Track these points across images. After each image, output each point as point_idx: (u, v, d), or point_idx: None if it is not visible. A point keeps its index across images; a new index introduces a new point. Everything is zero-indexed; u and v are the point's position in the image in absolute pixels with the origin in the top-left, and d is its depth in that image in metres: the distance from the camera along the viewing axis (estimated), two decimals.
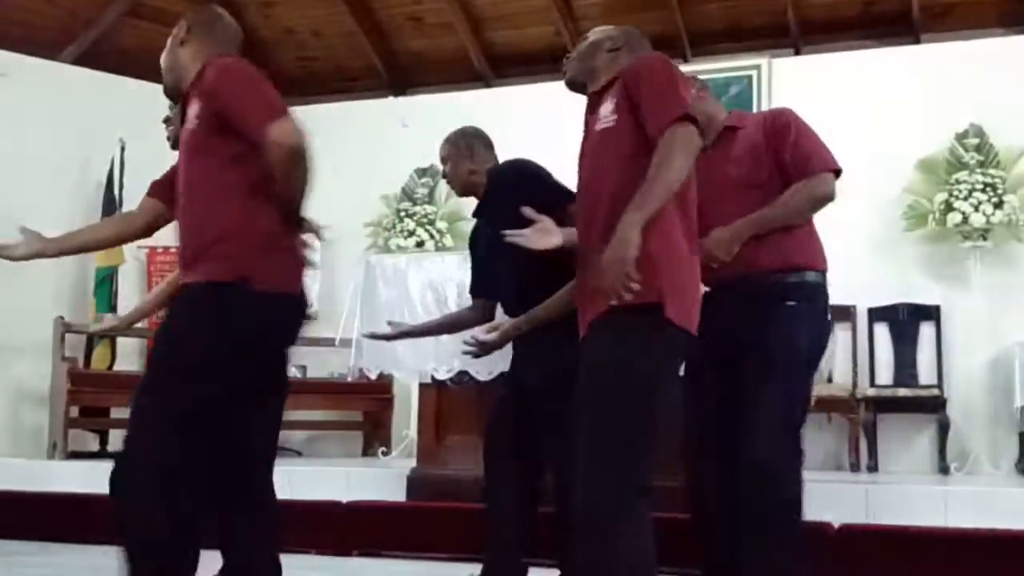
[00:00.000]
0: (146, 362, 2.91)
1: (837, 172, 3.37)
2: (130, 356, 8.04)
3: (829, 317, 3.42)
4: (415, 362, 5.20)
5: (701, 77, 7.93)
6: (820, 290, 3.36)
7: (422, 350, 5.10)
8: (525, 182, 3.51)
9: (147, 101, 8.19)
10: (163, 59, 2.97)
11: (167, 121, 3.63)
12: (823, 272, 3.39)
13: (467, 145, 3.91)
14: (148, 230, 3.44)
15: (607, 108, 2.73)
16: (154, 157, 7.65)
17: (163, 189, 3.25)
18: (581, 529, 2.49)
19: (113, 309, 7.72)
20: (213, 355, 2.73)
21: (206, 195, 2.77)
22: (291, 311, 2.85)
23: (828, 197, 3.34)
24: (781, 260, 3.32)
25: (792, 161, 3.35)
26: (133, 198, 7.69)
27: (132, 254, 8.01)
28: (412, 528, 4.79)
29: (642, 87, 2.62)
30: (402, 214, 8.18)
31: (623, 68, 2.77)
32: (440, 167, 8.07)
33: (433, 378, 5.13)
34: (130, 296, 8.04)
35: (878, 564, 4.32)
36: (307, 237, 2.85)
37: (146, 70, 8.42)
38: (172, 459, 2.69)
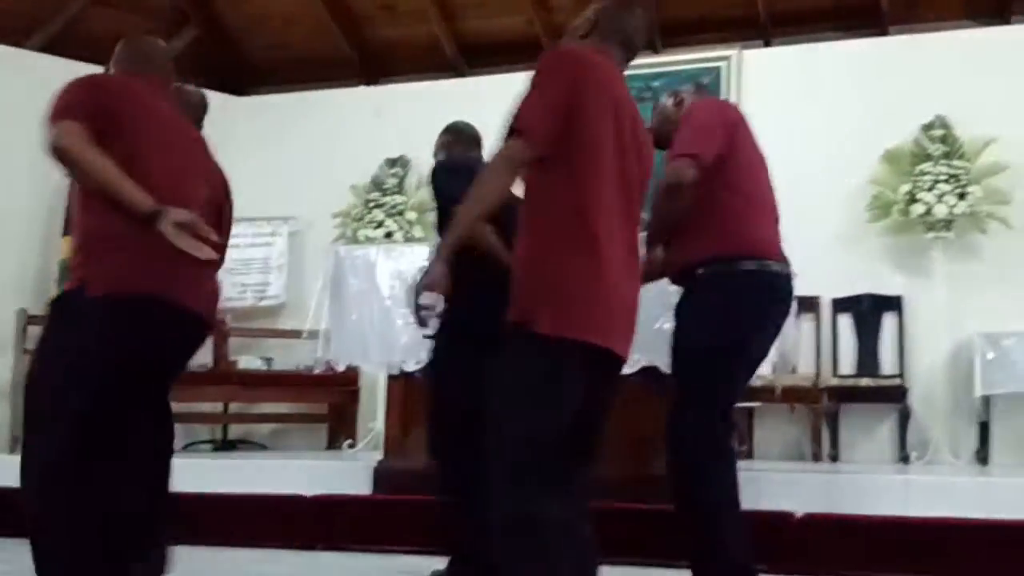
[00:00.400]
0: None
1: (693, 156, 3.30)
2: None
3: (765, 301, 3.40)
4: (383, 354, 5.23)
5: (671, 68, 8.24)
6: (732, 277, 3.33)
7: (390, 342, 5.13)
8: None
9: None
10: None
11: None
12: (748, 258, 3.35)
13: (452, 141, 4.01)
14: None
15: None
16: (5, 123, 7.65)
17: None
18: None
19: None
20: (67, 364, 2.77)
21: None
22: (137, 314, 2.79)
23: (678, 185, 3.28)
24: (698, 252, 3.35)
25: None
26: None
27: None
28: (378, 521, 4.79)
29: None
30: (371, 204, 8.18)
31: None
32: (409, 157, 8.14)
33: (401, 370, 5.14)
34: None
35: (839, 553, 4.36)
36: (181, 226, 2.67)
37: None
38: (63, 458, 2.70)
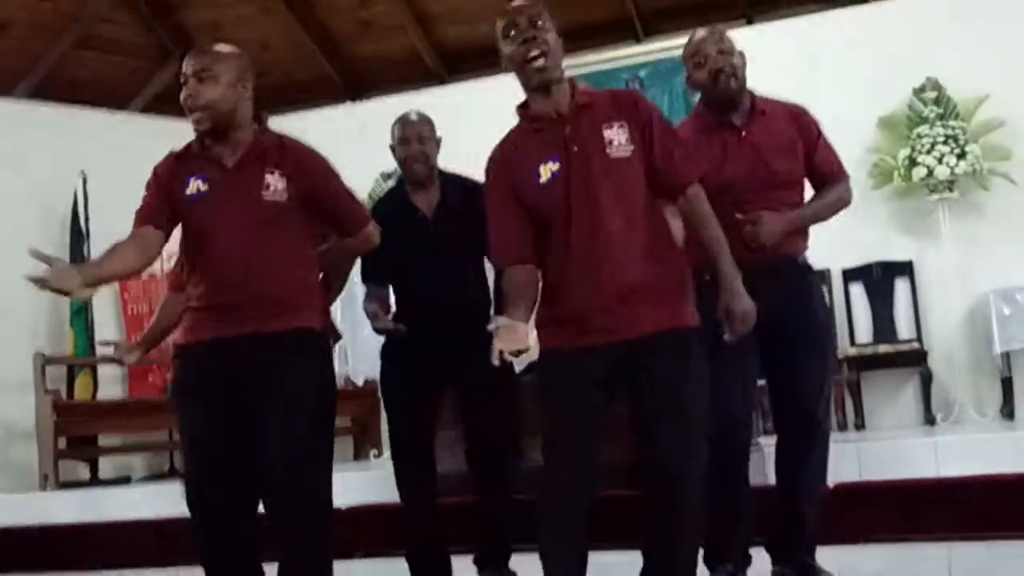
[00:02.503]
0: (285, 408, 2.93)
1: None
2: (112, 383, 8.02)
3: None
4: None
5: (655, 57, 8.23)
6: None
7: None
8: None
9: (105, 129, 8.22)
10: (212, 93, 2.96)
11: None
12: None
13: (438, 138, 3.95)
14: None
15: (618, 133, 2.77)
16: (117, 186, 7.68)
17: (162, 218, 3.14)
18: None
19: (91, 339, 7.69)
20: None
21: (292, 259, 3.03)
22: None
23: (850, 203, 3.57)
24: (796, 245, 3.45)
25: (820, 162, 3.46)
26: (99, 229, 7.71)
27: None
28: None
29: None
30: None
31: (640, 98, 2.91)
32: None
33: None
34: (106, 325, 8.01)
35: (874, 520, 4.37)
36: None
37: (102, 99, 8.41)
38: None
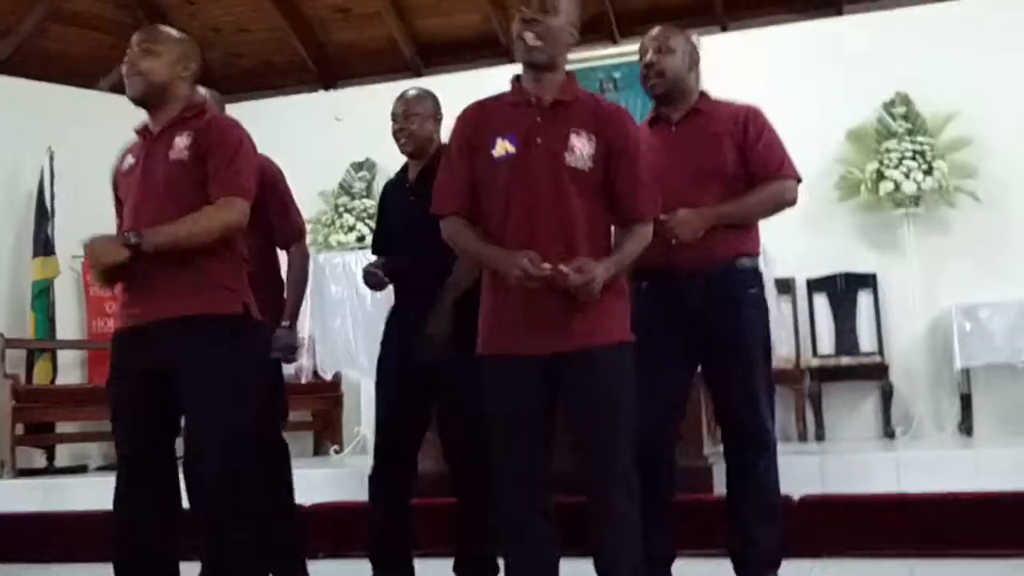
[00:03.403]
0: None
1: (799, 181, 3.52)
2: (71, 369, 7.92)
3: None
4: (371, 359, 5.18)
5: (630, 59, 8.21)
6: (761, 275, 3.55)
7: (376, 347, 5.08)
8: None
9: (74, 106, 8.11)
10: (148, 64, 3.06)
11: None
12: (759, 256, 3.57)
13: (436, 111, 3.97)
14: None
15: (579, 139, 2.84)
16: (84, 164, 7.62)
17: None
18: None
19: (51, 321, 7.60)
20: None
21: None
22: None
23: (792, 203, 3.50)
24: (734, 248, 3.44)
25: (755, 160, 3.44)
26: (64, 206, 7.63)
27: (67, 264, 7.87)
28: None
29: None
30: (341, 209, 8.13)
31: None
32: (374, 160, 8.10)
33: None
34: (67, 308, 7.92)
35: (837, 534, 4.40)
36: None
37: (71, 74, 8.29)
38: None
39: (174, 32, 3.19)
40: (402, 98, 3.95)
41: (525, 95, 2.87)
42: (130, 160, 3.12)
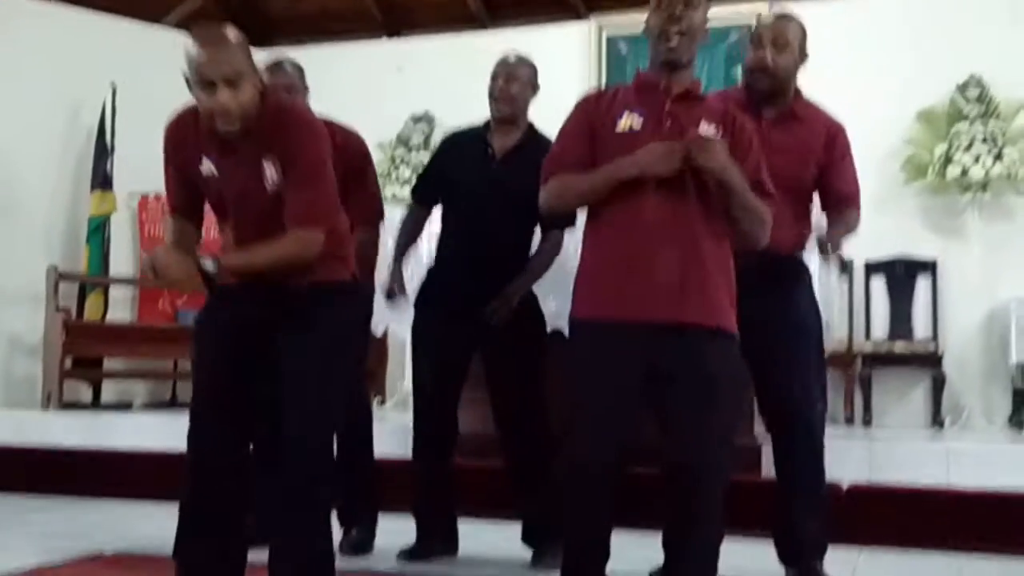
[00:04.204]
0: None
1: None
2: (122, 305, 7.96)
3: None
4: None
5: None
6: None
7: None
8: None
9: (138, 41, 8.11)
10: (244, 97, 2.80)
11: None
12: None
13: (535, 80, 3.91)
14: None
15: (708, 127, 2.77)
16: (146, 101, 7.61)
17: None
18: None
19: (106, 258, 7.64)
20: None
21: None
22: None
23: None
24: (793, 240, 3.43)
25: (836, 181, 3.45)
26: (125, 143, 7.65)
27: (124, 201, 7.91)
28: None
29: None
30: (398, 161, 8.10)
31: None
32: (434, 114, 8.06)
33: None
34: (122, 244, 7.97)
35: (886, 525, 4.35)
36: None
37: (137, 8, 8.28)
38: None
39: (230, 37, 2.83)
40: (505, 61, 3.87)
41: (654, 83, 2.81)
42: (209, 167, 2.92)
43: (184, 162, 2.91)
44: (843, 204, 3.47)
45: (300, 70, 4.08)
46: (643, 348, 2.66)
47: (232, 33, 2.83)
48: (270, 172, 2.86)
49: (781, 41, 3.33)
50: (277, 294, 2.91)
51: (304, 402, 2.88)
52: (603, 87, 2.97)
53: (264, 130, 2.85)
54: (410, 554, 3.89)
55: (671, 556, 2.80)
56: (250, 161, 2.87)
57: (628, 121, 2.75)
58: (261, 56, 3.22)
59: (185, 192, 2.97)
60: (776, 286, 3.34)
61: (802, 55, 3.41)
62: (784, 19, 3.41)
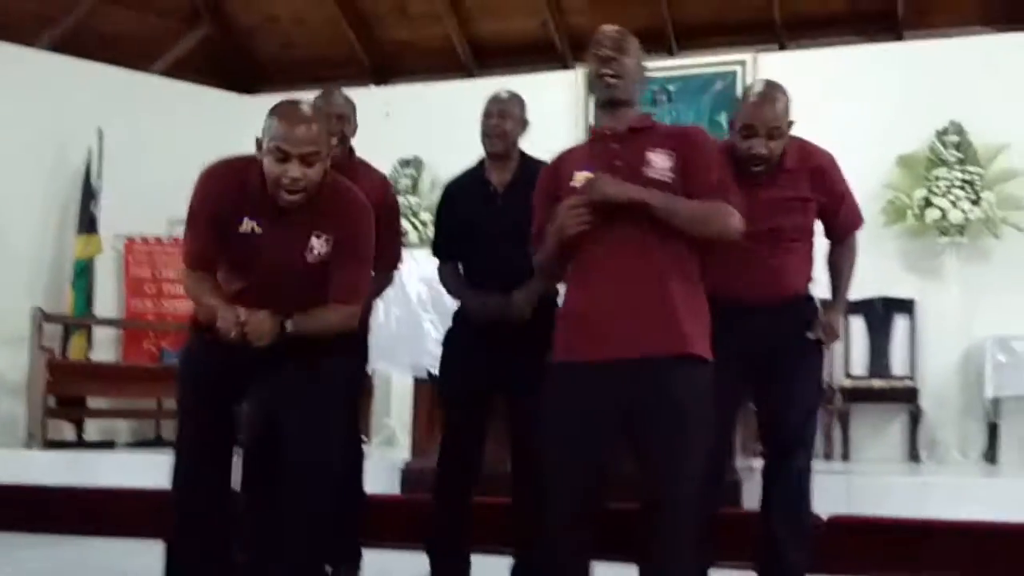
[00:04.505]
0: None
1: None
2: (106, 346, 8.03)
3: None
4: (412, 357, 5.24)
5: (686, 72, 8.25)
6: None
7: (418, 345, 5.14)
8: None
9: (125, 88, 8.21)
10: (316, 175, 2.99)
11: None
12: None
13: (525, 117, 3.96)
14: None
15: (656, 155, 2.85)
16: (132, 146, 7.71)
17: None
18: None
19: (89, 299, 7.69)
20: None
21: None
22: None
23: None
24: (799, 281, 3.56)
25: (842, 219, 3.61)
26: (111, 186, 7.73)
27: (110, 244, 7.98)
28: (411, 520, 4.77)
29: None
30: None
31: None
32: (422, 158, 8.11)
33: (429, 373, 5.13)
34: (107, 286, 8.02)
35: (865, 555, 4.41)
36: None
37: (125, 56, 8.39)
38: None
39: (315, 112, 3.02)
40: (497, 98, 3.92)
41: (601, 131, 2.92)
42: (251, 225, 3.03)
43: (223, 216, 3.00)
44: (845, 233, 3.64)
45: (352, 104, 4.22)
46: (612, 386, 2.74)
47: (317, 113, 3.00)
48: (318, 246, 3.01)
49: (776, 133, 3.40)
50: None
51: (310, 447, 2.99)
52: (562, 152, 3.05)
53: (321, 206, 3.00)
54: None
55: None
56: (300, 233, 3.01)
57: (581, 177, 2.84)
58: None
59: (215, 245, 3.05)
60: (787, 327, 3.47)
61: (790, 126, 3.47)
62: (773, 105, 3.41)
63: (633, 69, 2.89)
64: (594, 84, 2.93)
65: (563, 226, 2.76)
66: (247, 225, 3.00)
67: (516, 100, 3.95)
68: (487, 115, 3.90)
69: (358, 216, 3.09)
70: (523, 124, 3.95)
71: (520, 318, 3.70)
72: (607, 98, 2.90)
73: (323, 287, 3.05)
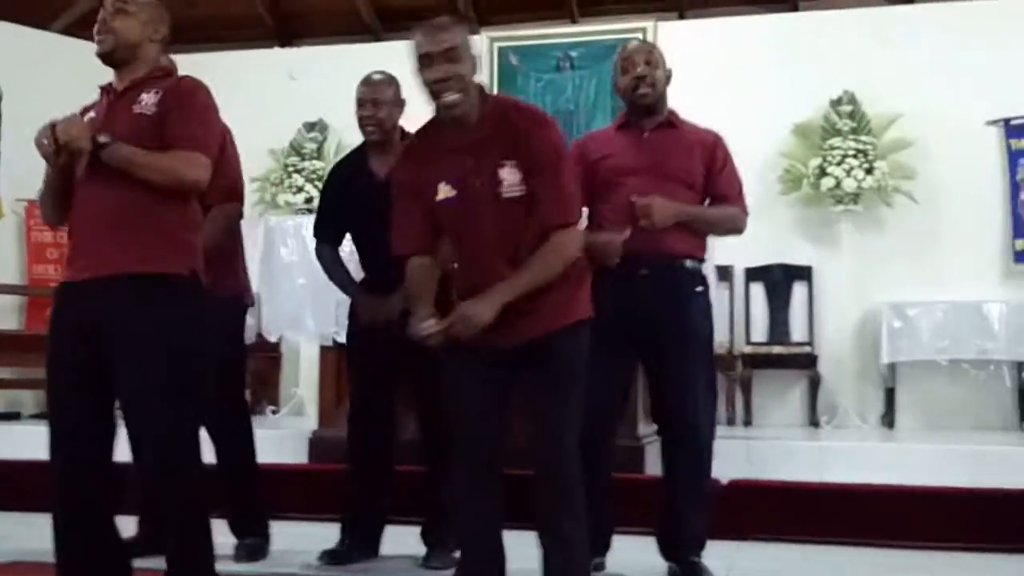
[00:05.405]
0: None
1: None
2: (8, 315, 7.88)
3: None
4: (318, 326, 5.26)
5: (588, 39, 8.33)
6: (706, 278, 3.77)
7: (323, 312, 5.15)
8: None
9: (25, 47, 8.00)
10: (121, 23, 3.05)
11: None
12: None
13: (400, 96, 3.97)
14: None
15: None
16: (33, 107, 7.48)
17: None
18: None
19: None
20: None
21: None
22: None
23: (740, 232, 3.78)
24: (683, 249, 3.61)
25: (722, 183, 3.68)
26: (11, 149, 7.52)
27: (10, 207, 7.81)
28: (319, 490, 4.82)
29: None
30: (290, 169, 8.14)
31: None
32: (327, 122, 8.06)
33: (334, 340, 5.16)
34: (8, 252, 7.85)
35: (764, 519, 4.53)
36: None
37: (23, 15, 8.16)
38: None
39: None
40: (368, 82, 3.93)
41: (451, 141, 2.95)
42: (92, 116, 3.06)
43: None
44: (731, 202, 3.70)
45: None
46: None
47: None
48: (147, 98, 2.96)
49: (652, 60, 3.65)
50: (107, 291, 2.86)
51: (136, 417, 2.89)
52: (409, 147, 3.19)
53: (153, 79, 3.03)
54: (331, 555, 3.94)
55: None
56: (129, 98, 2.99)
57: (444, 191, 2.96)
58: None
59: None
60: (670, 295, 3.56)
61: (669, 78, 3.70)
62: (650, 44, 3.83)
63: (470, 71, 2.92)
64: (435, 101, 2.92)
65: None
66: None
67: (387, 82, 3.96)
68: (359, 104, 3.93)
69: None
70: (399, 105, 3.97)
71: (392, 318, 3.72)
72: (452, 119, 2.93)
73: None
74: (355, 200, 3.94)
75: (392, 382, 3.97)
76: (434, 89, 2.87)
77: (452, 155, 2.94)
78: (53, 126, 2.80)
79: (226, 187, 3.87)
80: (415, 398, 4.00)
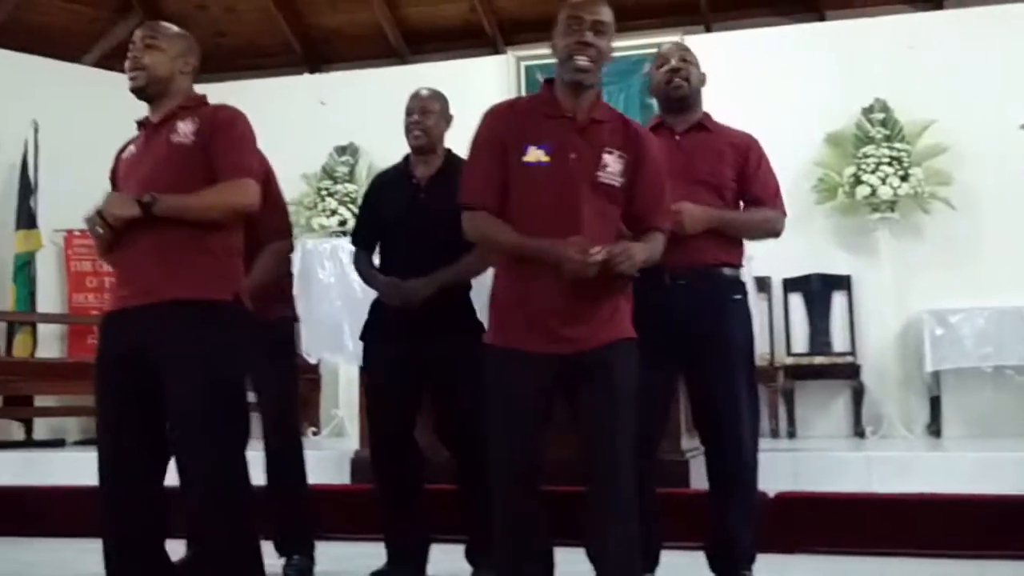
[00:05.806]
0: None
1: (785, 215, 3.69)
2: (51, 343, 7.93)
3: None
4: (357, 347, 5.23)
5: (616, 55, 8.24)
6: (744, 284, 3.71)
7: None
8: None
9: (58, 80, 8.09)
10: (152, 59, 3.11)
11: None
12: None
13: (448, 112, 4.03)
14: None
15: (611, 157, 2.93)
16: (68, 138, 7.60)
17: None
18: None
19: (32, 295, 7.61)
20: None
21: None
22: None
23: (778, 235, 3.69)
24: (719, 256, 3.55)
25: (756, 186, 3.61)
26: (47, 180, 7.62)
27: (49, 238, 7.87)
28: (362, 510, 4.79)
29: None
30: (323, 193, 8.18)
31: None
32: (358, 145, 8.12)
33: None
34: (48, 281, 7.92)
35: (812, 531, 4.49)
36: None
37: (59, 48, 8.27)
38: None
39: (176, 28, 3.25)
40: (417, 95, 4.00)
41: (560, 109, 2.95)
42: (132, 150, 3.15)
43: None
44: (766, 204, 3.62)
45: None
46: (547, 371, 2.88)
47: (174, 27, 3.24)
48: (183, 127, 3.03)
49: (688, 57, 3.63)
50: (154, 317, 2.90)
51: (182, 442, 2.93)
52: (508, 101, 3.12)
53: (190, 107, 3.09)
54: None
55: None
56: (166, 129, 3.05)
57: (535, 155, 2.90)
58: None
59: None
60: (708, 303, 3.49)
61: (703, 81, 3.66)
62: (681, 44, 3.78)
63: (607, 49, 2.93)
64: (564, 63, 2.92)
65: (571, 271, 2.77)
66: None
67: (436, 96, 4.03)
68: (408, 112, 3.99)
69: (228, 112, 3.16)
70: (446, 119, 4.04)
71: (413, 303, 3.76)
72: (574, 82, 2.92)
73: None
74: (392, 202, 3.99)
75: (412, 407, 3.94)
76: (571, 50, 2.87)
77: (553, 122, 2.93)
78: (99, 212, 2.87)
79: (276, 224, 4.00)
80: (441, 420, 3.98)
